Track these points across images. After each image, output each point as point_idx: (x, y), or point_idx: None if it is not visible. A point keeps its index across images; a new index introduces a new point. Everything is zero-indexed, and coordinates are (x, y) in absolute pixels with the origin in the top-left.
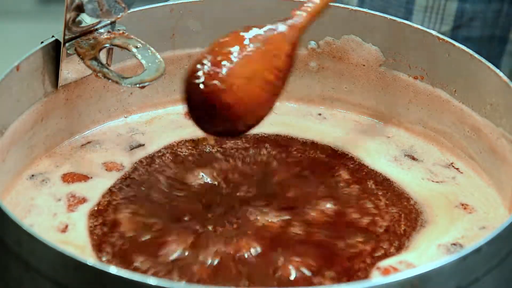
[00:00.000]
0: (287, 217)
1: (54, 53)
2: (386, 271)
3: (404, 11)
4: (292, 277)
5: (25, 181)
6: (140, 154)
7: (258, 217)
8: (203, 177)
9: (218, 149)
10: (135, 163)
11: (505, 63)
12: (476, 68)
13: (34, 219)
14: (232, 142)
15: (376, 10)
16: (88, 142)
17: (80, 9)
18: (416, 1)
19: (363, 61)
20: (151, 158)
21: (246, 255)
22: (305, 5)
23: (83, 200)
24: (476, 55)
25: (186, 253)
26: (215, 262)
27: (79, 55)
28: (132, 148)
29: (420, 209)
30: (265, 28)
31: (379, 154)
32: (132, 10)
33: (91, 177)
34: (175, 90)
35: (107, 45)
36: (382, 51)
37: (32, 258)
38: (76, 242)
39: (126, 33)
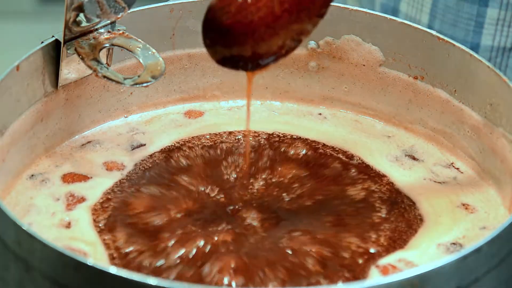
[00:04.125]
0: (286, 212)
1: (54, 53)
2: (385, 269)
3: (475, 24)
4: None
5: (25, 181)
6: (141, 153)
7: (260, 215)
8: (204, 176)
9: (219, 149)
10: (137, 162)
11: None
12: (476, 68)
13: (32, 218)
14: (231, 141)
15: (447, 24)
16: (88, 142)
17: (80, 9)
18: (487, 13)
19: (363, 61)
20: (152, 157)
21: (243, 250)
22: None
23: (82, 199)
24: (476, 55)
25: (191, 249)
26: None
27: (79, 55)
28: (134, 148)
29: (422, 209)
30: None
31: (380, 154)
32: (132, 10)
33: (91, 177)
34: (175, 90)
35: (107, 45)
36: (382, 51)
37: (32, 258)
38: (85, 238)
39: (126, 33)
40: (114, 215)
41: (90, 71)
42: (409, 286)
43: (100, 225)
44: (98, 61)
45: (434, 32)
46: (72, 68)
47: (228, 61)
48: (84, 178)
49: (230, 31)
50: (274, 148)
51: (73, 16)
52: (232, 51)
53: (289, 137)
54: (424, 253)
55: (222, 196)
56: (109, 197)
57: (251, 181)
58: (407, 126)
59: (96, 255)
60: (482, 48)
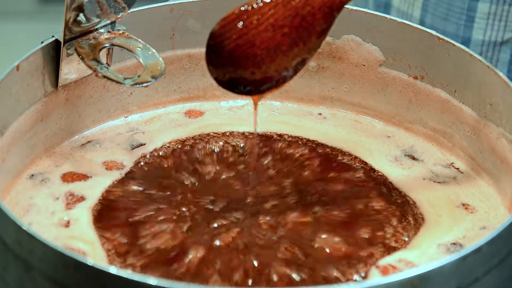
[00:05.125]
0: (285, 212)
1: (54, 53)
2: (385, 270)
3: (466, 18)
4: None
5: (25, 181)
6: (141, 153)
7: (259, 214)
8: (204, 175)
9: (219, 148)
10: (136, 161)
11: None
12: (476, 68)
13: (32, 218)
14: (231, 141)
15: (439, 18)
16: (88, 142)
17: (80, 9)
18: (478, 7)
19: (363, 61)
20: (152, 157)
21: (245, 249)
22: None
23: (81, 199)
24: (476, 55)
25: (190, 249)
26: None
27: (79, 55)
28: (133, 148)
29: (422, 209)
30: None
31: (380, 154)
32: (132, 10)
33: (91, 176)
34: (175, 90)
35: (107, 45)
36: (382, 51)
37: (32, 258)
38: (84, 237)
39: (126, 33)
40: (113, 214)
41: (90, 71)
42: (409, 286)
43: (99, 224)
44: (98, 61)
45: (434, 32)
46: (72, 68)
47: (232, 85)
48: (84, 177)
49: (232, 56)
50: (274, 148)
51: (73, 16)
52: (235, 75)
53: (289, 137)
54: (424, 253)
55: (223, 194)
56: (109, 196)
57: (252, 180)
58: (407, 126)
59: (95, 254)
60: (473, 42)
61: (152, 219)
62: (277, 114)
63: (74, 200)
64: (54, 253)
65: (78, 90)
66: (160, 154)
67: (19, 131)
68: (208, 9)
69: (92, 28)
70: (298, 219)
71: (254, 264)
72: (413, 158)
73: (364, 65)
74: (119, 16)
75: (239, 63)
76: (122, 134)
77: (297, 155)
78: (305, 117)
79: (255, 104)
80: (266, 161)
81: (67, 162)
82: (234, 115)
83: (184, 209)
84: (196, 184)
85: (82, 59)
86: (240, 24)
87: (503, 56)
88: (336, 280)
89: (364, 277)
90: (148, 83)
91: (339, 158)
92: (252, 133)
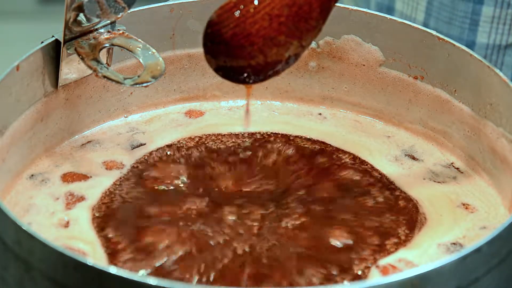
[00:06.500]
0: (287, 212)
1: (54, 53)
2: (385, 270)
3: (470, 22)
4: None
5: (25, 181)
6: (141, 153)
7: (259, 214)
8: (204, 175)
9: (219, 147)
10: (136, 161)
11: None
12: (476, 68)
13: (32, 218)
14: (232, 141)
15: (442, 21)
16: (88, 142)
17: (80, 9)
18: (483, 11)
19: (363, 61)
20: (152, 157)
21: (243, 249)
22: None
23: (81, 199)
24: (476, 55)
25: (191, 248)
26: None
27: (79, 55)
28: (134, 148)
29: (423, 209)
30: None
31: (380, 154)
32: (132, 10)
33: (91, 176)
34: (175, 90)
35: (107, 45)
36: (382, 51)
37: (32, 258)
38: (84, 237)
39: (126, 33)
40: (113, 214)
41: (90, 71)
42: (409, 286)
43: (99, 224)
44: (98, 61)
45: (434, 32)
46: (72, 68)
47: (229, 74)
48: (83, 177)
49: (229, 44)
50: (274, 148)
51: (73, 16)
52: (232, 64)
53: (289, 137)
54: (424, 253)
55: (223, 194)
56: (109, 196)
57: (252, 180)
58: (407, 126)
59: (94, 254)
60: (477, 45)
61: (153, 219)
62: (277, 114)
63: (74, 200)
64: (54, 253)
65: (78, 90)
66: (161, 154)
67: (19, 131)
68: (208, 9)
69: (92, 28)
70: (298, 219)
71: (254, 264)
72: (413, 158)
73: (364, 65)
74: (119, 16)
75: (236, 52)
76: (122, 134)
77: (297, 155)
78: (305, 117)
79: (248, 95)
80: (266, 161)
81: (67, 162)
82: (234, 115)
83: (185, 209)
84: (197, 184)
85: (82, 59)
86: (237, 12)
87: (507, 59)
88: (336, 280)
89: (364, 277)
90: (148, 83)
91: (339, 158)
92: (252, 133)
